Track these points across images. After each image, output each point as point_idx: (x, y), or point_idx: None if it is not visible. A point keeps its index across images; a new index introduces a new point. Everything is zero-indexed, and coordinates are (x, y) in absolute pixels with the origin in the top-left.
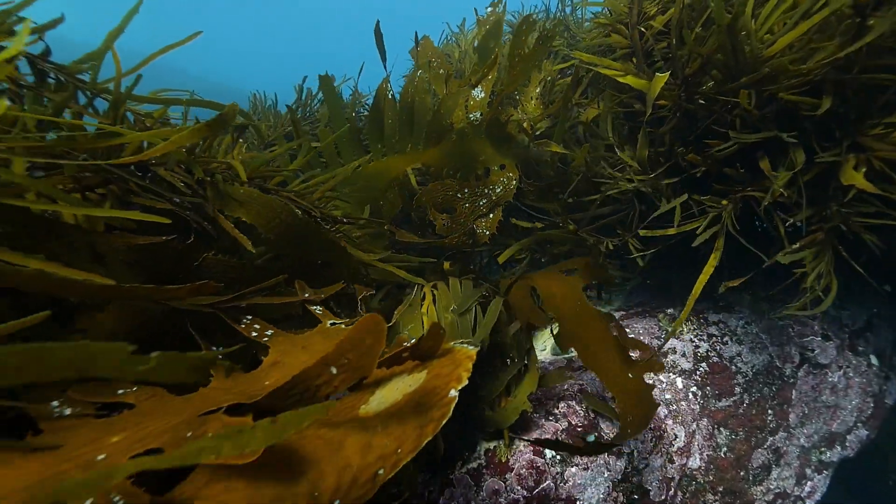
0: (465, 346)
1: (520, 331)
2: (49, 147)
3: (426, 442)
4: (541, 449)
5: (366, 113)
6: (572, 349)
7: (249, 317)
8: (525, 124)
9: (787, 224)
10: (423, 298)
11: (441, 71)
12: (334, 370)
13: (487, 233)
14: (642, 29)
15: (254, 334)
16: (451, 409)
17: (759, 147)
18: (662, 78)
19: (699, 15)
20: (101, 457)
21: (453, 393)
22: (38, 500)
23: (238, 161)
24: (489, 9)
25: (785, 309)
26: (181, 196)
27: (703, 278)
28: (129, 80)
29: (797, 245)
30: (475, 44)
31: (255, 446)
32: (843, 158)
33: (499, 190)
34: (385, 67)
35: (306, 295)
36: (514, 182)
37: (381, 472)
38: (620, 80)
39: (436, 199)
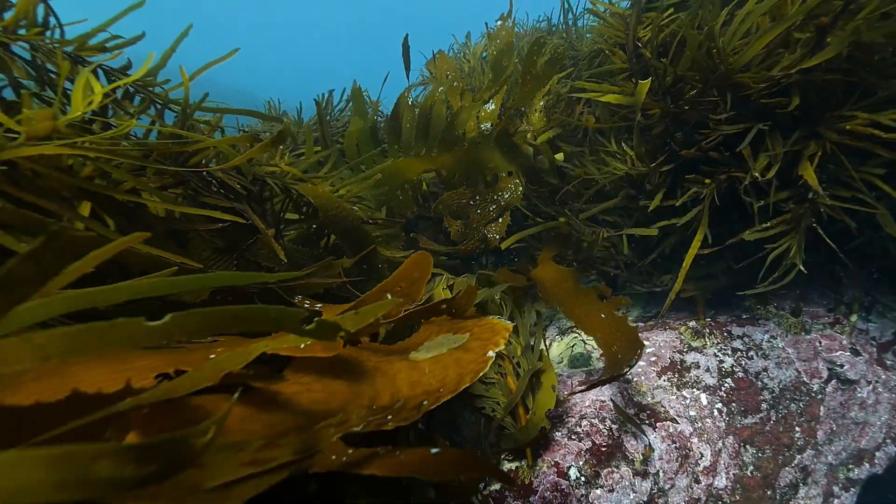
0: (503, 319)
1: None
2: (139, 152)
3: (464, 387)
4: (565, 470)
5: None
6: (592, 363)
7: (299, 296)
8: (529, 135)
9: (760, 204)
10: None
11: (455, 84)
12: (389, 296)
13: (498, 237)
14: (639, 44)
15: (307, 305)
16: (488, 365)
17: (742, 136)
18: (645, 85)
19: (676, 37)
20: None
21: (490, 354)
22: (202, 375)
23: (286, 165)
24: (498, 22)
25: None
26: (239, 196)
27: (691, 252)
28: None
29: (767, 224)
30: (483, 55)
31: (350, 327)
32: (804, 146)
33: (507, 195)
34: (408, 77)
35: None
36: (521, 188)
37: (424, 402)
38: (601, 98)
39: (451, 207)
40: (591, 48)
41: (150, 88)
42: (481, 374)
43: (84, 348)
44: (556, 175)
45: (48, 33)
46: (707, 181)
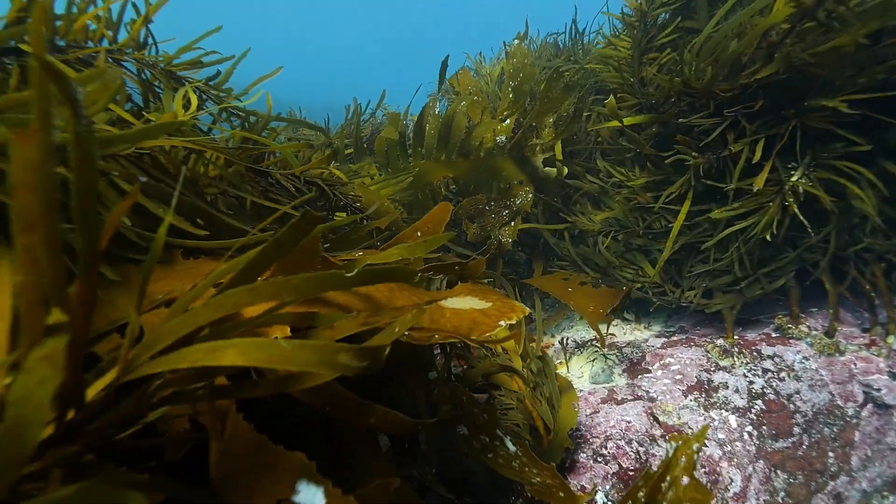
0: (522, 305)
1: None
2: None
3: (469, 337)
4: (594, 500)
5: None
6: (614, 380)
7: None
8: (538, 149)
9: (730, 188)
10: None
11: (476, 98)
12: (419, 233)
13: (510, 240)
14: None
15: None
16: (496, 331)
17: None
18: (636, 118)
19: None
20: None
21: (502, 323)
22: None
23: (334, 170)
24: (515, 41)
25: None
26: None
27: (680, 218)
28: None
29: (736, 204)
30: (499, 70)
31: (406, 255)
32: (777, 130)
33: (518, 202)
34: (439, 89)
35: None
36: (531, 195)
37: (436, 336)
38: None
39: (469, 212)
40: (597, 79)
41: (223, 96)
42: (487, 334)
43: (318, 287)
44: (561, 186)
45: (147, 51)
46: (695, 154)
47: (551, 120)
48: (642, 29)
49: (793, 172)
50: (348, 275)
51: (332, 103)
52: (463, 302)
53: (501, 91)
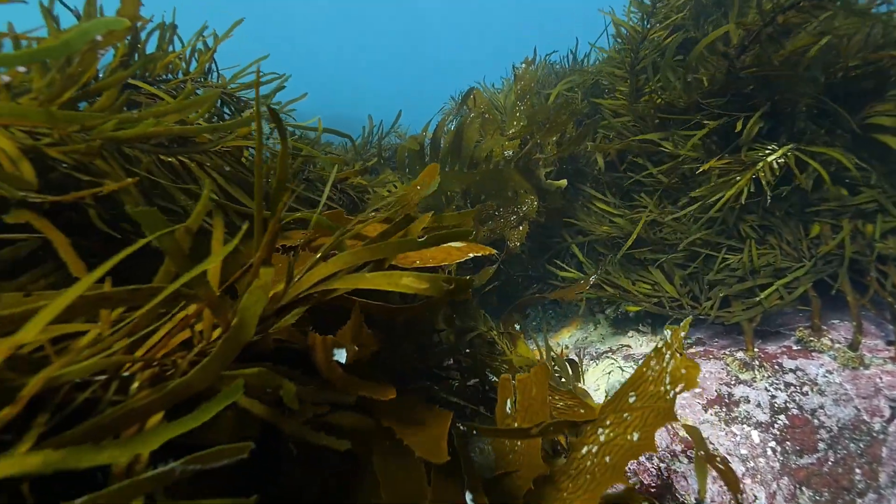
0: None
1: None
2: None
3: (443, 263)
4: None
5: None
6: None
7: None
8: (541, 163)
9: (700, 169)
10: None
11: (487, 115)
12: (419, 187)
13: (519, 244)
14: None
15: None
16: (465, 257)
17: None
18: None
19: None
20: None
21: (471, 255)
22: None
23: (361, 180)
24: (523, 65)
25: None
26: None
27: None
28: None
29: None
30: (503, 96)
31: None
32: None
33: (525, 208)
34: (459, 111)
35: None
36: (536, 203)
37: (417, 262)
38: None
39: (480, 216)
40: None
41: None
42: (458, 261)
43: (402, 249)
44: (563, 197)
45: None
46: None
47: (554, 139)
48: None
49: (769, 152)
50: (420, 240)
51: (342, 113)
52: (447, 245)
53: (509, 112)
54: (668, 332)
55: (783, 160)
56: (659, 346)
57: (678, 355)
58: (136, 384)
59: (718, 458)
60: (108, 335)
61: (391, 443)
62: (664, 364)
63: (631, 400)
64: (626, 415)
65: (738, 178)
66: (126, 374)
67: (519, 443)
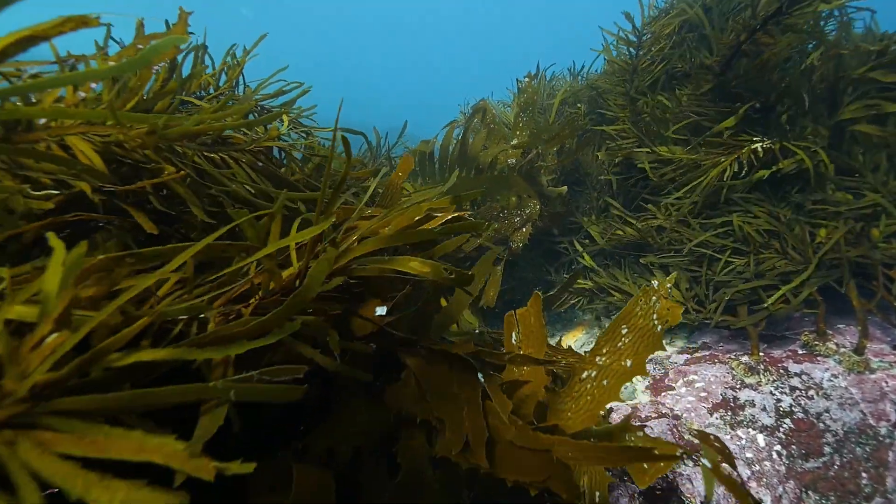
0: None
1: None
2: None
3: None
4: None
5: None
6: (637, 397)
7: None
8: (543, 171)
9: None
10: None
11: (492, 126)
12: (401, 174)
13: (521, 245)
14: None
15: None
16: (438, 223)
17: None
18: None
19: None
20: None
21: (437, 215)
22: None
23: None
24: (526, 79)
25: None
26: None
27: None
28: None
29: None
30: (507, 114)
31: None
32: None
33: (528, 210)
34: (469, 122)
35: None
36: (538, 207)
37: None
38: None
39: (488, 217)
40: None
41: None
42: (418, 222)
43: (422, 236)
44: (563, 203)
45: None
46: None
47: (555, 149)
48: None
49: (756, 141)
50: (437, 229)
51: (349, 118)
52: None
53: (513, 123)
54: (654, 282)
55: (768, 146)
56: (646, 287)
57: (664, 299)
58: (211, 324)
59: (726, 470)
60: (193, 288)
61: (426, 354)
62: (651, 304)
63: (623, 331)
64: (619, 343)
65: (723, 159)
66: (202, 316)
67: (525, 368)
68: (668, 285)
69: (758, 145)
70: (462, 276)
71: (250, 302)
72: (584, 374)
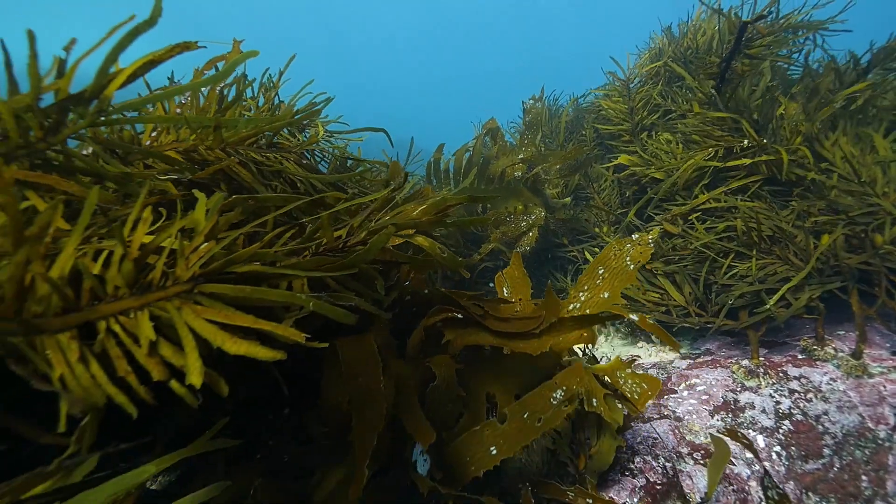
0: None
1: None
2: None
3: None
4: None
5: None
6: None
7: None
8: (548, 185)
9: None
10: None
11: (500, 143)
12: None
13: (528, 249)
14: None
15: None
16: (428, 218)
17: None
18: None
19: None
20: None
21: (425, 204)
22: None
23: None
24: (530, 101)
25: None
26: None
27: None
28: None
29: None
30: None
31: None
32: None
33: (533, 217)
34: (479, 141)
35: None
36: (543, 214)
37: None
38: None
39: (496, 222)
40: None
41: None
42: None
43: (436, 225)
44: (567, 212)
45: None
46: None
47: (558, 166)
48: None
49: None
50: (449, 221)
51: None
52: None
53: (519, 140)
54: (635, 236)
55: (753, 144)
56: (618, 238)
57: (637, 245)
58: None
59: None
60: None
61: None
62: (624, 248)
63: (600, 271)
64: (597, 281)
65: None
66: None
67: (518, 308)
68: (650, 238)
69: (745, 141)
70: (453, 259)
71: (304, 254)
72: (570, 307)
